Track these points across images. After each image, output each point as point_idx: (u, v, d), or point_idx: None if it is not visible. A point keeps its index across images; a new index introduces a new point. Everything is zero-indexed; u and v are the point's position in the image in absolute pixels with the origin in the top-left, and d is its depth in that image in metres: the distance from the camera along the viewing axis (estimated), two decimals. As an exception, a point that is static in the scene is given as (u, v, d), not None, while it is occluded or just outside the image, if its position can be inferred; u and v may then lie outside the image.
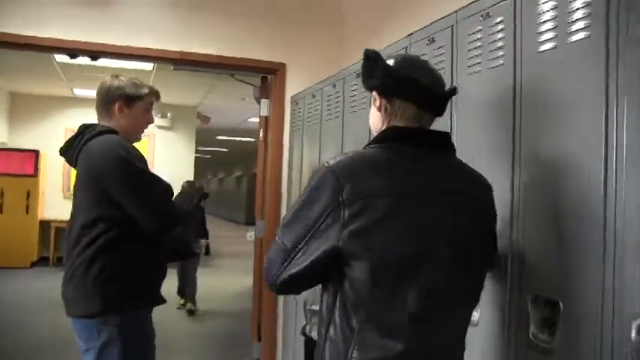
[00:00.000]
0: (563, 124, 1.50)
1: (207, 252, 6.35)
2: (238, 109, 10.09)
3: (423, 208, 1.36)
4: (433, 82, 1.47)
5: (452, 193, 1.43)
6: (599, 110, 1.37)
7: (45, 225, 9.70)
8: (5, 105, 9.79)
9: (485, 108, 1.84)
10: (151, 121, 2.46)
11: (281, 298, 4.27)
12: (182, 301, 6.76)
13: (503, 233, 1.67)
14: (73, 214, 2.25)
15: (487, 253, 1.55)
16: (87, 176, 2.21)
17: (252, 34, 4.21)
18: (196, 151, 11.52)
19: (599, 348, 1.33)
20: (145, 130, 2.50)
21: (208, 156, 22.32)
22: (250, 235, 4.50)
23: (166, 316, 2.42)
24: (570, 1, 1.48)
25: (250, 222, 9.73)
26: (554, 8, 1.53)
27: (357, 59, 3.05)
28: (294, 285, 1.44)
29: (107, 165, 2.15)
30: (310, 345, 2.84)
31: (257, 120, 4.68)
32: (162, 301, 2.37)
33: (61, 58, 6.37)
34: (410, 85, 1.44)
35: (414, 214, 1.34)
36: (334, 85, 3.29)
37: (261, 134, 4.47)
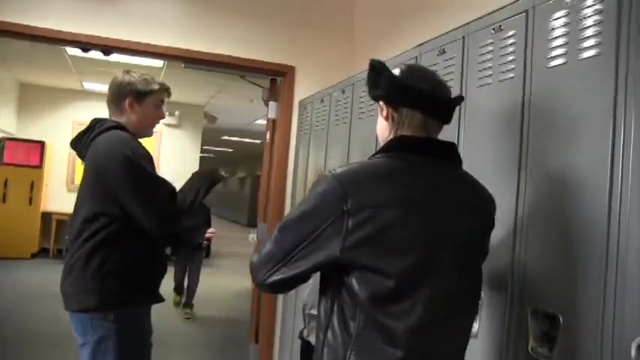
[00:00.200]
0: (570, 139, 1.51)
1: (207, 254, 6.26)
2: (246, 110, 10.11)
3: (428, 218, 1.36)
4: (439, 90, 1.48)
5: (458, 204, 1.43)
6: (607, 127, 1.38)
7: (46, 217, 9.69)
8: (15, 95, 9.81)
9: (493, 120, 1.85)
10: (162, 116, 2.46)
11: (280, 302, 4.28)
12: (178, 299, 6.69)
13: (506, 245, 1.68)
14: (76, 208, 2.26)
15: (482, 262, 1.55)
16: (92, 172, 2.22)
17: (263, 36, 4.23)
18: (201, 150, 11.53)
19: (598, 364, 1.33)
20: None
21: (213, 155, 22.34)
22: (252, 237, 4.51)
23: (164, 314, 2.42)
24: (582, 19, 1.49)
25: (253, 224, 9.68)
26: (566, 25, 1.55)
27: (367, 66, 3.06)
28: (284, 286, 1.44)
29: (111, 163, 2.16)
30: (307, 349, 2.84)
31: (264, 122, 4.69)
32: (160, 299, 2.37)
33: (73, 51, 6.39)
34: (416, 94, 1.44)
35: (419, 225, 1.34)
36: (343, 91, 3.29)
37: (267, 137, 4.48)
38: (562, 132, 1.54)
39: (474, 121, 1.95)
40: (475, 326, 1.70)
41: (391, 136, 1.48)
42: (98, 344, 2.15)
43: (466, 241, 1.43)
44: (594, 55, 1.44)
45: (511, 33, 1.79)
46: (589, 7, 1.47)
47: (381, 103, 1.51)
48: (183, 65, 4.30)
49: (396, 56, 2.58)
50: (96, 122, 2.31)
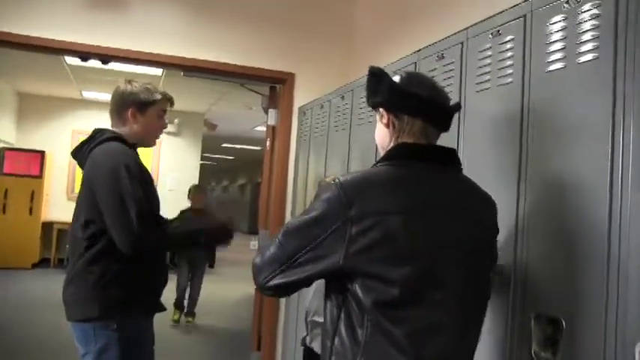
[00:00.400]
0: (570, 144, 1.51)
1: (212, 264, 6.18)
2: (245, 117, 10.12)
3: (431, 225, 1.36)
4: (439, 98, 1.49)
5: (462, 209, 1.44)
6: (606, 131, 1.38)
7: (47, 226, 9.67)
8: (14, 105, 9.82)
9: (492, 125, 1.85)
10: (165, 126, 2.46)
11: (282, 309, 4.27)
12: (176, 317, 6.39)
13: (507, 251, 1.67)
14: (74, 217, 2.27)
15: (490, 269, 1.56)
16: (86, 182, 2.23)
17: (263, 44, 4.24)
18: (201, 158, 11.53)
19: (602, 367, 1.33)
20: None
21: (213, 163, 22.34)
22: (254, 244, 4.51)
23: (165, 321, 2.42)
24: (580, 22, 1.50)
25: (253, 231, 9.68)
26: (564, 29, 1.55)
27: (366, 72, 3.06)
28: (285, 290, 1.44)
29: (98, 175, 2.17)
30: (310, 356, 2.83)
31: (264, 129, 4.70)
32: (162, 308, 2.37)
33: (72, 60, 6.41)
34: (416, 101, 1.45)
35: (423, 232, 1.34)
36: (342, 97, 3.30)
37: (267, 144, 4.49)
38: (561, 136, 1.54)
39: (473, 127, 1.95)
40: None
41: (392, 144, 1.48)
42: (100, 354, 2.15)
43: (471, 247, 1.43)
44: (593, 59, 1.45)
45: (509, 38, 1.80)
46: (586, 11, 1.48)
47: (381, 110, 1.52)
48: (182, 73, 4.31)
49: (394, 62, 2.58)
50: (96, 133, 2.31)
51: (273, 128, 4.43)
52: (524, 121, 1.69)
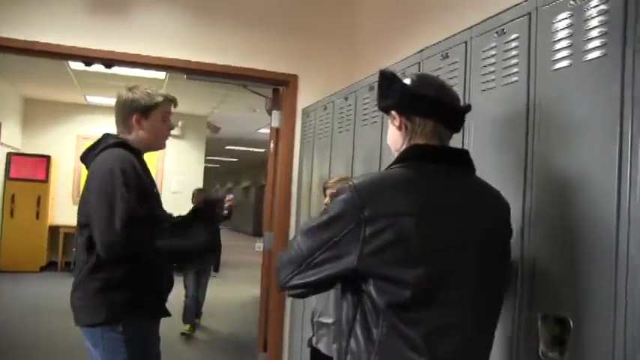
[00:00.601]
0: (576, 142, 1.50)
1: (217, 269, 6.14)
2: (249, 119, 10.13)
3: (446, 226, 1.37)
4: (449, 98, 1.50)
5: (475, 210, 1.44)
6: (614, 129, 1.36)
7: (54, 230, 9.75)
8: (19, 110, 9.87)
9: (498, 124, 1.84)
10: (171, 128, 2.47)
11: (288, 309, 4.26)
12: (187, 327, 6.17)
13: (514, 249, 1.66)
14: (78, 221, 2.28)
15: (505, 269, 1.56)
16: (87, 185, 2.25)
17: (265, 46, 4.24)
18: (205, 161, 11.55)
19: (611, 368, 1.32)
20: None
21: (217, 165, 22.37)
22: (259, 245, 4.51)
23: (170, 321, 2.42)
24: (586, 19, 1.48)
25: (258, 233, 9.66)
26: (570, 26, 1.54)
27: (369, 72, 3.06)
28: (305, 290, 1.46)
29: (95, 178, 2.19)
30: (316, 357, 2.83)
31: (267, 131, 4.69)
32: (167, 313, 2.38)
33: (75, 65, 6.43)
34: (427, 102, 1.46)
35: (436, 233, 1.36)
36: (346, 98, 3.29)
37: (271, 146, 4.49)
38: (568, 135, 1.53)
39: (479, 126, 1.94)
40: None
41: (405, 146, 1.50)
42: (109, 357, 2.17)
43: (483, 248, 1.43)
44: (600, 57, 1.43)
45: (514, 36, 1.79)
46: (594, 7, 1.46)
47: (392, 112, 1.53)
48: (185, 76, 4.31)
49: (398, 62, 2.57)
50: (102, 138, 2.32)
51: (277, 130, 4.43)
52: (529, 119, 1.68)
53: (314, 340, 2.85)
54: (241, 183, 25.47)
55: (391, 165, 1.48)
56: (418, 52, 2.42)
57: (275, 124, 4.44)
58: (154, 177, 2.48)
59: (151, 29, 3.99)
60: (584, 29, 1.49)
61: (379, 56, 3.70)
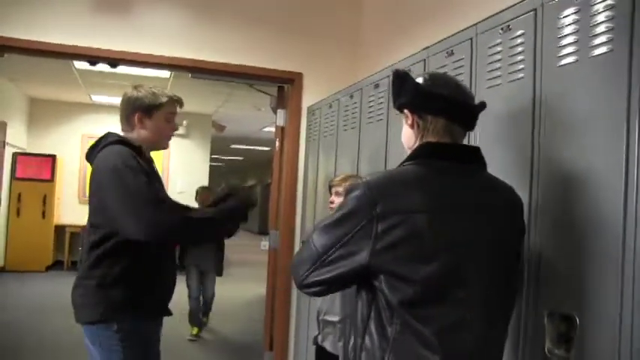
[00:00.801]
0: (583, 139, 1.49)
1: (220, 273, 6.09)
2: (254, 118, 10.13)
3: (458, 223, 1.38)
4: (462, 96, 1.51)
5: (487, 207, 1.45)
6: (621, 125, 1.36)
7: (60, 229, 9.78)
8: (25, 110, 9.91)
9: (504, 121, 1.83)
10: (175, 129, 2.45)
11: (294, 308, 4.27)
12: (195, 331, 6.10)
13: (521, 247, 1.66)
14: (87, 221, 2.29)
15: (516, 268, 1.57)
16: (91, 187, 2.25)
17: (270, 44, 4.24)
18: (211, 160, 11.56)
19: (617, 365, 1.31)
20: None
21: (221, 164, 22.39)
22: (264, 244, 4.51)
23: (171, 319, 2.41)
24: (593, 15, 1.47)
25: (263, 231, 9.65)
26: (576, 22, 1.53)
27: (374, 70, 3.06)
28: (322, 288, 1.46)
29: (100, 176, 2.18)
30: (322, 355, 2.83)
31: (272, 129, 4.69)
32: (167, 313, 2.37)
33: (80, 64, 6.44)
34: (440, 101, 1.48)
35: (448, 230, 1.37)
36: (351, 96, 3.29)
37: (277, 144, 4.49)
38: (574, 131, 1.53)
39: (485, 123, 1.92)
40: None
41: (417, 144, 1.51)
42: (106, 354, 2.17)
43: (495, 245, 1.44)
44: (606, 52, 1.42)
45: (520, 32, 1.78)
46: (600, 2, 1.45)
47: (405, 111, 1.55)
48: (190, 75, 4.32)
49: (403, 59, 2.57)
50: (104, 136, 2.33)
51: (282, 129, 4.43)
52: (535, 115, 1.67)
53: (320, 338, 2.85)
54: (247, 182, 25.48)
55: (403, 162, 1.49)
56: (424, 49, 2.41)
57: (280, 122, 4.44)
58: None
59: (156, 28, 4.00)
60: (590, 25, 1.48)
61: (384, 54, 3.70)
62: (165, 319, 2.40)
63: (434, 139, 1.48)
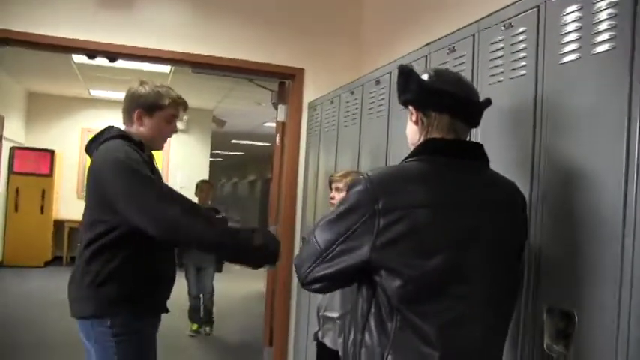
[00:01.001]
0: (584, 136, 1.50)
1: (220, 268, 6.00)
2: (254, 113, 10.11)
3: (460, 220, 1.38)
4: (467, 93, 1.51)
5: (490, 204, 1.45)
6: (622, 123, 1.36)
7: (59, 225, 9.75)
8: (23, 105, 9.87)
9: (506, 117, 1.83)
10: (174, 131, 2.41)
11: (293, 304, 4.27)
12: (195, 327, 6.08)
13: (521, 243, 1.66)
14: (83, 216, 2.28)
15: (517, 267, 1.57)
16: (91, 180, 2.22)
17: (271, 39, 4.23)
18: (211, 155, 11.54)
19: (615, 360, 1.32)
20: None
21: (220, 159, 22.36)
22: (263, 239, 4.49)
23: (171, 316, 2.39)
24: (595, 12, 1.47)
25: (264, 227, 9.65)
26: (579, 19, 1.53)
27: (375, 66, 3.05)
28: (325, 284, 1.46)
29: (104, 170, 2.15)
30: (322, 350, 2.84)
31: (273, 125, 4.69)
32: (163, 309, 2.34)
33: (79, 58, 6.41)
34: (444, 97, 1.48)
35: (450, 226, 1.37)
36: (352, 92, 3.29)
37: (277, 140, 4.48)
38: (576, 129, 1.53)
39: (487, 119, 1.91)
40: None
41: (421, 140, 1.51)
42: (100, 350, 2.17)
43: (497, 243, 1.44)
44: (608, 50, 1.42)
45: (522, 29, 1.78)
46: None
47: (410, 107, 1.55)
48: (190, 70, 4.31)
49: (405, 56, 2.57)
50: (106, 129, 2.31)
51: (283, 124, 4.43)
52: (537, 112, 1.68)
53: (320, 334, 2.85)
54: (247, 177, 25.46)
55: (406, 158, 1.49)
56: (426, 46, 2.41)
57: (281, 117, 4.44)
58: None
59: (156, 22, 3.99)
60: (592, 22, 1.48)
61: (385, 50, 3.69)
62: (165, 315, 2.39)
63: (438, 136, 1.48)
